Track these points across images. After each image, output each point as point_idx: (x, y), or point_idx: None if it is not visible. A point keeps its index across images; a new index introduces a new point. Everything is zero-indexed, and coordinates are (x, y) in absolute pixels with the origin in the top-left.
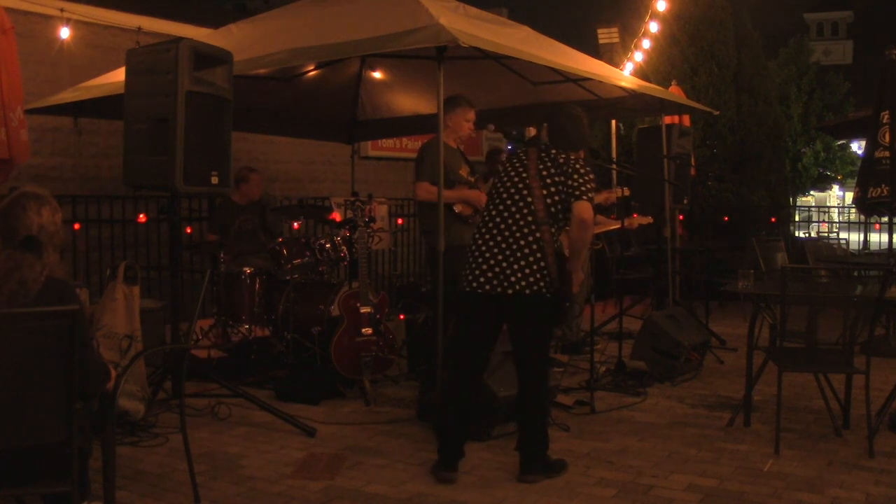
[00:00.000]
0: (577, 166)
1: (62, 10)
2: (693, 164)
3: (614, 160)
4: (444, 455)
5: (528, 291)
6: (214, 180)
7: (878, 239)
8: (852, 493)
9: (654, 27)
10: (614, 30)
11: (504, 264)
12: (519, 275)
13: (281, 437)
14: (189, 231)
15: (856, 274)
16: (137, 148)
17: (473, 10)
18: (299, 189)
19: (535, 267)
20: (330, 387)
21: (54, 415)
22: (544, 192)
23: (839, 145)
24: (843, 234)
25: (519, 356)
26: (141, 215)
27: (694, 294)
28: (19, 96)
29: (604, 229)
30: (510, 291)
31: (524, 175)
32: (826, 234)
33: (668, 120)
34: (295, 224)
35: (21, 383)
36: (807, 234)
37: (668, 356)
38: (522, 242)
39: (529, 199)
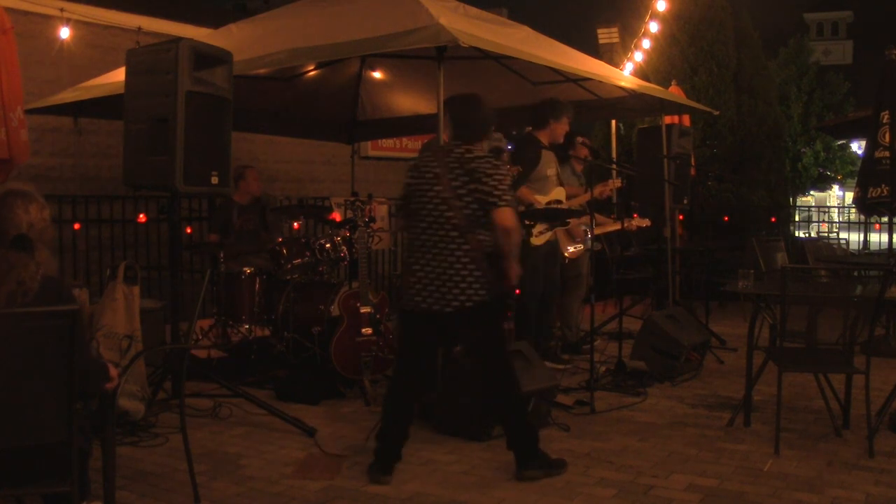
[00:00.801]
0: (487, 167)
1: (62, 10)
2: (693, 164)
3: (614, 160)
4: (382, 458)
5: (469, 304)
6: (214, 180)
7: (878, 239)
8: (852, 493)
9: (654, 27)
10: (614, 30)
11: (438, 282)
12: (456, 290)
13: (281, 437)
14: (189, 231)
15: (856, 274)
16: (137, 148)
17: (473, 10)
18: (299, 189)
19: (470, 279)
20: (330, 387)
21: (54, 415)
22: (460, 203)
23: (839, 145)
24: (843, 234)
25: (480, 362)
26: (141, 215)
27: (694, 294)
28: (19, 96)
29: (604, 231)
30: (448, 310)
31: (438, 189)
32: (826, 234)
33: (668, 120)
34: (295, 224)
35: (21, 383)
36: (807, 234)
37: (668, 356)
38: (452, 259)
39: (449, 214)
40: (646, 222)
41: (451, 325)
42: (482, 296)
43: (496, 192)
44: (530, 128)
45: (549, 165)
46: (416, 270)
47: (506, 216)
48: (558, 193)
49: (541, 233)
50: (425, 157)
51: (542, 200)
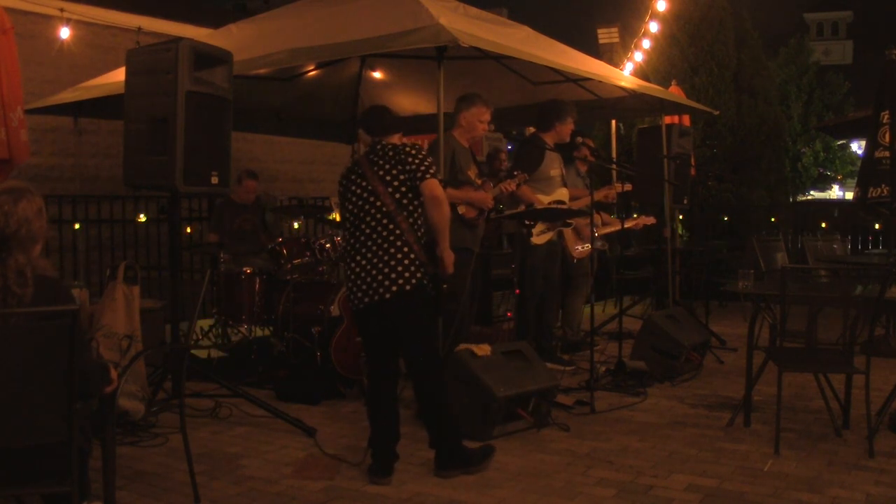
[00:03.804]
0: (408, 149)
1: (62, 10)
2: (693, 164)
3: (614, 160)
4: (380, 459)
5: (408, 287)
6: (214, 180)
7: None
8: (852, 493)
9: (654, 27)
10: (614, 30)
11: (374, 272)
12: (393, 275)
13: (281, 437)
14: (189, 231)
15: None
16: (137, 148)
17: (473, 10)
18: (299, 189)
19: (406, 262)
20: (330, 387)
21: (54, 415)
22: (389, 189)
23: (839, 145)
24: None
25: (411, 353)
26: (140, 215)
27: (694, 294)
28: (19, 96)
29: (608, 230)
30: (387, 296)
31: (364, 184)
32: None
33: (668, 120)
34: (295, 224)
35: (21, 383)
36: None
37: (668, 356)
38: (386, 245)
39: (376, 202)
40: (651, 220)
41: (393, 313)
42: (419, 278)
43: (422, 168)
44: (533, 129)
45: (552, 166)
46: (354, 267)
47: (433, 186)
48: (561, 194)
49: (541, 232)
50: (350, 167)
51: (544, 200)
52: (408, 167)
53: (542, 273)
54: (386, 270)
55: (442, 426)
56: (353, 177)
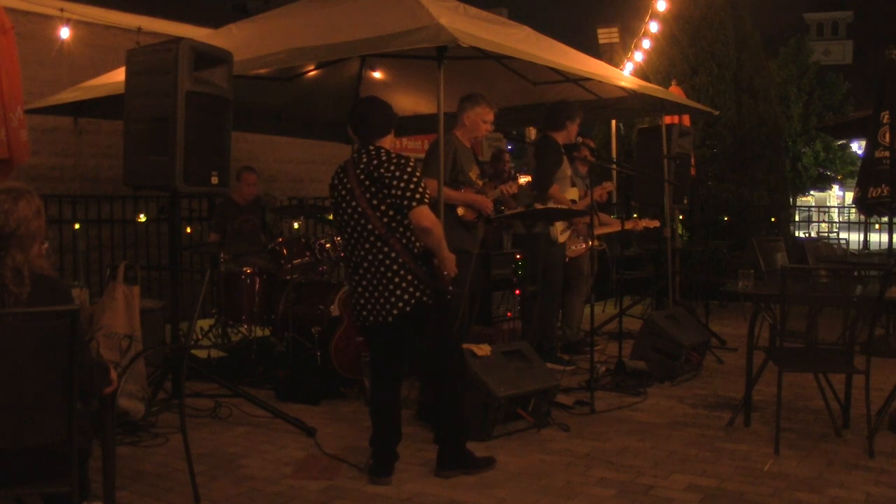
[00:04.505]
0: (393, 169)
1: (62, 10)
2: (693, 164)
3: (614, 160)
4: (380, 459)
5: (408, 309)
6: (214, 180)
7: (878, 239)
8: (852, 493)
9: (654, 27)
10: (614, 30)
11: (376, 294)
12: (393, 299)
13: (281, 437)
14: (189, 231)
15: (856, 274)
16: (137, 148)
17: (473, 10)
18: (299, 189)
19: (403, 284)
20: (330, 387)
21: (54, 415)
22: (376, 212)
23: (839, 145)
24: (843, 234)
25: (426, 363)
26: (140, 215)
27: (694, 294)
28: (19, 96)
29: (607, 231)
30: (389, 319)
31: (353, 203)
32: (826, 234)
33: (668, 120)
34: (295, 224)
35: (21, 383)
36: (807, 234)
37: (668, 356)
38: (383, 268)
39: (368, 225)
40: (655, 223)
41: (398, 332)
42: (418, 297)
43: (407, 195)
44: (538, 129)
45: (567, 166)
46: (355, 286)
47: (421, 216)
48: (573, 193)
49: (563, 231)
50: (338, 175)
51: (567, 199)
52: (393, 192)
53: (561, 270)
54: (386, 294)
55: (450, 425)
56: (343, 192)
